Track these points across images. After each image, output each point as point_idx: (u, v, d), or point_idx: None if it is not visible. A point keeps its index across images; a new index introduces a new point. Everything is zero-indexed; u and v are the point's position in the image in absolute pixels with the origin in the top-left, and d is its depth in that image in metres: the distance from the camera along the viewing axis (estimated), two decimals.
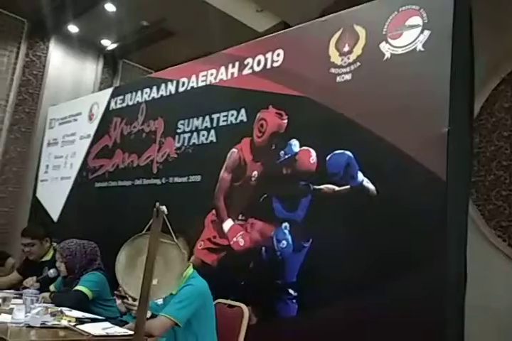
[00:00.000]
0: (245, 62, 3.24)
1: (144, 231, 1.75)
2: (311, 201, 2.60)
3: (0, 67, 8.42)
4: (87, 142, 4.56)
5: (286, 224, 2.67)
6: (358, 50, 2.61)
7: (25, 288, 2.62)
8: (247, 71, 3.22)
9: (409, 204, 2.20)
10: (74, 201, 4.54)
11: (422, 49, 2.33)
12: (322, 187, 2.57)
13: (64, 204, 4.60)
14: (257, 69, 3.16)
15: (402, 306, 2.11)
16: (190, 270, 2.36)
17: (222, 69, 3.41)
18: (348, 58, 2.64)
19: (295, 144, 2.78)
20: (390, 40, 2.48)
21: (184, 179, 3.39)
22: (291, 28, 3.17)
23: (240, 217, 2.95)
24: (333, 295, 2.34)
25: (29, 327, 1.85)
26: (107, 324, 2.05)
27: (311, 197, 2.60)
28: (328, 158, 2.58)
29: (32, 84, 8.68)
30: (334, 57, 2.72)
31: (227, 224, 3.00)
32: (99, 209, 4.02)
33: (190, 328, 2.17)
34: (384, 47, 2.49)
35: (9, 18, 8.52)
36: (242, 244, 2.87)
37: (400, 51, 2.43)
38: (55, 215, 4.67)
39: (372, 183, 2.36)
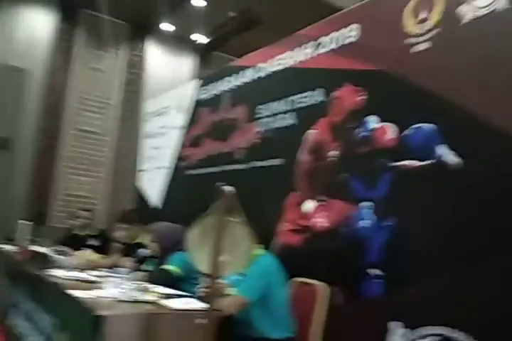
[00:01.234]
0: (320, 41, 3.19)
1: (212, 211, 1.82)
2: (392, 178, 2.50)
3: (106, 69, 9.14)
4: (179, 132, 4.80)
5: (366, 203, 2.60)
6: (435, 16, 2.44)
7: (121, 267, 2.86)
8: (322, 50, 3.17)
9: (498, 176, 2.04)
10: (169, 189, 4.83)
11: (506, 6, 2.12)
12: (402, 163, 2.46)
13: (161, 193, 4.91)
14: (331, 46, 3.09)
15: (492, 285, 1.97)
16: (259, 250, 2.41)
17: (298, 50, 3.39)
18: (425, 26, 2.48)
19: (373, 120, 2.69)
20: (469, 1, 2.28)
21: (266, 163, 3.44)
22: (365, 1, 3.04)
23: (320, 198, 2.93)
24: (419, 274, 2.25)
25: (119, 301, 2.03)
26: (191, 300, 2.17)
27: (391, 174, 2.51)
28: (407, 132, 2.46)
29: (134, 82, 9.33)
30: (410, 26, 2.57)
31: (308, 205, 2.99)
32: (191, 195, 4.22)
33: (262, 304, 2.22)
34: (463, 9, 2.30)
35: (111, 22, 9.18)
36: (323, 224, 2.85)
37: (481, 12, 2.23)
38: (154, 202, 5.01)
39: (457, 156, 2.21)
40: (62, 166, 8.52)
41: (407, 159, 2.44)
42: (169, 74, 9.59)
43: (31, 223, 4.41)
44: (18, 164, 8.03)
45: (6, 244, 4.34)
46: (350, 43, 2.92)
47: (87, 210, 4.62)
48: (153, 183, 5.09)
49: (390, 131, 2.54)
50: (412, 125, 2.44)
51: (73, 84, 8.74)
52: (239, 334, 2.22)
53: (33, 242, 3.99)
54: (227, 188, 1.79)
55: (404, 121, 2.49)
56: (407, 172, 2.43)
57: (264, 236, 2.59)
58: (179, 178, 4.64)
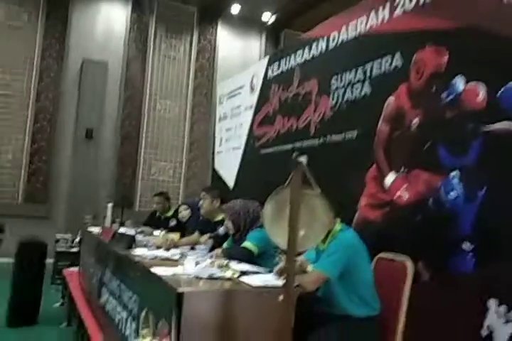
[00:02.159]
0: (396, 2, 2.95)
1: (286, 184, 1.73)
2: (483, 143, 2.26)
3: (179, 55, 9.30)
4: (251, 112, 4.74)
5: (454, 172, 2.38)
6: None
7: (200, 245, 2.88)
8: (398, 11, 2.94)
9: None
10: (245, 169, 4.81)
11: None
12: (495, 126, 2.21)
13: (237, 173, 4.91)
14: (409, 6, 2.85)
15: None
16: (339, 225, 2.28)
17: (373, 14, 3.17)
18: None
19: (459, 82, 2.44)
20: None
21: (341, 136, 3.28)
22: None
23: (402, 170, 2.73)
24: None
25: (198, 278, 2.02)
26: (269, 276, 2.11)
27: (482, 139, 2.27)
28: (500, 92, 2.20)
29: (205, 67, 9.41)
30: None
31: (390, 178, 2.81)
32: (266, 174, 4.17)
33: (344, 281, 2.10)
34: None
35: (182, 8, 9.30)
36: (406, 197, 2.66)
37: None
38: (230, 183, 5.02)
39: None
40: (144, 152, 8.86)
41: (500, 121, 2.19)
42: (240, 56, 9.57)
43: (118, 207, 4.62)
44: (103, 152, 8.45)
45: (95, 226, 4.57)
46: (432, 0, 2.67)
47: (161, 194, 4.75)
48: (229, 164, 5.11)
49: (481, 92, 2.29)
50: (505, 84, 2.18)
51: (149, 72, 9.00)
52: (320, 311, 2.14)
53: (119, 224, 4.16)
54: (302, 159, 1.68)
55: (495, 80, 2.23)
56: (499, 137, 2.19)
57: (344, 212, 2.46)
58: (253, 158, 4.60)
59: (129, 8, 8.90)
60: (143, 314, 2.13)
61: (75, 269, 4.82)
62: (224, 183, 5.14)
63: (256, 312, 1.85)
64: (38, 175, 8.10)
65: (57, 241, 6.29)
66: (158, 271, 2.12)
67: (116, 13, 8.85)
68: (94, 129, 8.25)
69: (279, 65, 4.35)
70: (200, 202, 3.44)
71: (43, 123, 8.20)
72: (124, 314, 2.48)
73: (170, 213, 4.52)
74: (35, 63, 8.24)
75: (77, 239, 5.87)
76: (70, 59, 8.42)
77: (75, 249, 5.40)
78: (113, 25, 8.81)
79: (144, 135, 8.86)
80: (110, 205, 4.47)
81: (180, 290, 1.77)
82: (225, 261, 2.28)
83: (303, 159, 1.71)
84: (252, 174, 4.58)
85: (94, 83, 8.39)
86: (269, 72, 4.52)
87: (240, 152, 4.86)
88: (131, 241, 3.03)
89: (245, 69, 5.55)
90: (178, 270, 2.14)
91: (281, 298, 1.66)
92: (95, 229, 4.32)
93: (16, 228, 6.17)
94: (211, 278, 2.03)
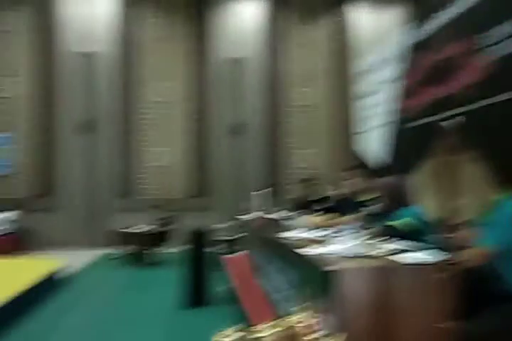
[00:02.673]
0: None
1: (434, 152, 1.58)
2: None
3: (314, 41, 9.22)
4: (394, 85, 4.47)
5: None
6: None
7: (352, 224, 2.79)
8: None
9: None
10: (390, 145, 4.55)
11: None
12: None
13: (382, 150, 4.67)
14: None
15: None
16: (503, 194, 1.97)
17: None
18: None
19: None
20: None
21: (499, 98, 2.88)
22: None
23: None
24: None
25: (348, 256, 1.96)
26: (426, 253, 1.95)
27: None
28: None
29: (343, 48, 9.17)
30: None
31: None
32: (416, 148, 3.88)
33: None
34: None
35: None
36: None
37: None
38: (377, 161, 4.81)
39: None
40: (288, 141, 9.03)
41: None
42: (377, 31, 9.09)
43: (266, 194, 4.77)
44: (252, 144, 8.86)
45: (250, 213, 4.77)
46: None
47: (307, 180, 4.83)
48: (372, 142, 4.90)
49: None
50: None
51: (287, 62, 9.10)
52: (486, 290, 1.91)
53: (271, 211, 4.28)
54: (451, 123, 1.52)
55: None
56: None
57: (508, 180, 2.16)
58: (401, 132, 4.33)
59: (262, 2, 9.10)
60: (300, 292, 2.16)
61: (235, 255, 5.10)
62: (367, 163, 4.94)
63: (411, 291, 1.75)
64: (200, 172, 8.84)
65: (218, 230, 6.76)
66: (311, 251, 2.15)
67: (249, 9, 9.13)
68: (241, 123, 8.71)
69: (420, 31, 4.03)
70: (351, 181, 3.33)
71: (197, 122, 8.89)
72: (282, 293, 2.55)
73: (317, 197, 4.54)
74: (182, 69, 8.93)
75: (236, 227, 6.22)
76: (210, 60, 8.93)
77: (233, 237, 5.75)
78: (249, 20, 9.09)
79: (286, 124, 9.02)
80: (263, 193, 4.63)
81: (332, 268, 1.78)
82: (380, 239, 2.18)
83: (456, 123, 1.54)
84: (403, 149, 4.31)
85: (237, 79, 8.81)
86: (411, 41, 4.21)
87: (385, 128, 4.63)
88: (281, 226, 3.11)
89: (383, 43, 5.27)
90: (329, 249, 2.12)
91: (439, 275, 1.51)
92: (251, 217, 4.50)
93: (185, 220, 6.81)
94: (359, 256, 1.96)
